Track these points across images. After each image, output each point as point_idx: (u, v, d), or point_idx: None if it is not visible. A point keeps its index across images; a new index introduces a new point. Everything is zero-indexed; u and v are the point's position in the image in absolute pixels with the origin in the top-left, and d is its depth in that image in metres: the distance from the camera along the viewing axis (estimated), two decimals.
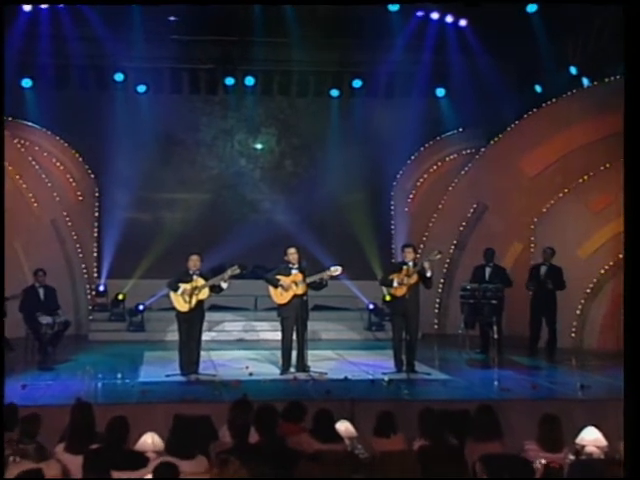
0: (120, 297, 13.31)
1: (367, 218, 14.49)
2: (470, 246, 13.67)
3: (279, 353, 9.65)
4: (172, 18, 13.57)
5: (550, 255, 10.97)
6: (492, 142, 13.85)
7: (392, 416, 5.98)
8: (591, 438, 5.73)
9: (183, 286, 9.23)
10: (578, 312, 11.73)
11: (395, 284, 9.43)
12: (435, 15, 13.71)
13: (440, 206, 14.24)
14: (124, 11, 12.84)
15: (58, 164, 13.69)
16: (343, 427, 6.01)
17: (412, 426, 5.88)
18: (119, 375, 9.42)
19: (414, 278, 9.34)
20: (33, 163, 13.08)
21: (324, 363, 10.11)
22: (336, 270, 9.47)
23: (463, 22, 13.75)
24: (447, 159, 14.59)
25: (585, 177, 12.05)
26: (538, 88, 13.89)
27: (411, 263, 9.39)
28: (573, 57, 13.42)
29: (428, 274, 9.36)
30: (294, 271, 9.47)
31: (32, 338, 10.21)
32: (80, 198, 13.93)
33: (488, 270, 11.15)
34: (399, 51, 13.75)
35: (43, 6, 12.67)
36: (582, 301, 11.72)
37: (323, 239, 13.51)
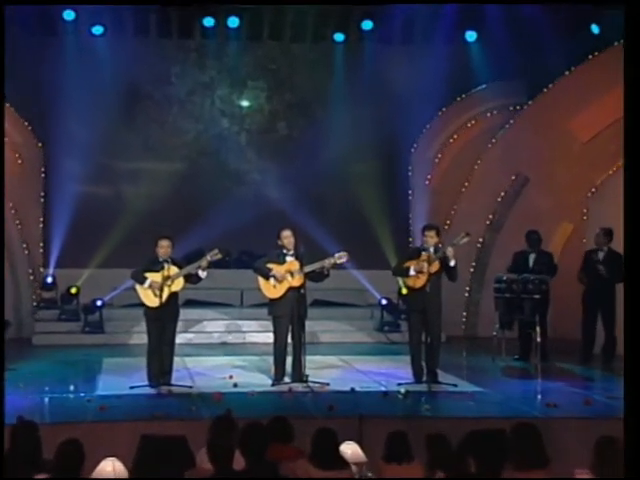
0: (72, 291, 13.34)
1: (379, 193, 14.54)
2: (507, 227, 13.73)
3: (271, 359, 9.71)
4: None
5: (605, 238, 10.92)
6: (535, 98, 13.82)
7: (405, 436, 5.97)
8: None
9: (151, 276, 9.22)
10: None
11: (412, 273, 9.44)
12: None
13: (469, 178, 14.24)
14: None
15: None
16: (349, 450, 6.03)
17: None
18: (72, 387, 9.45)
19: (436, 266, 9.34)
20: None
21: (326, 371, 10.15)
22: (341, 257, 9.47)
23: None
24: (478, 119, 14.57)
25: None
26: (595, 29, 13.75)
27: (432, 249, 9.38)
28: None
29: (452, 263, 9.36)
30: (289, 258, 9.48)
31: None
32: (22, 168, 13.89)
33: (532, 257, 11.18)
34: None
35: None
36: None
37: (325, 219, 13.56)
